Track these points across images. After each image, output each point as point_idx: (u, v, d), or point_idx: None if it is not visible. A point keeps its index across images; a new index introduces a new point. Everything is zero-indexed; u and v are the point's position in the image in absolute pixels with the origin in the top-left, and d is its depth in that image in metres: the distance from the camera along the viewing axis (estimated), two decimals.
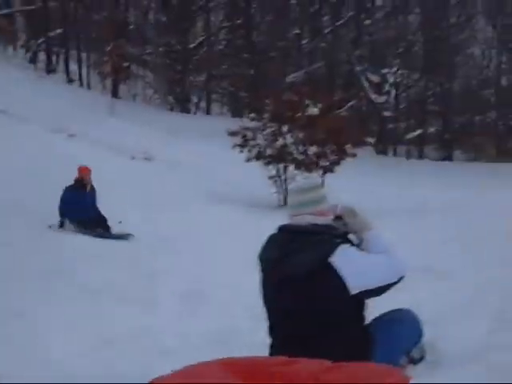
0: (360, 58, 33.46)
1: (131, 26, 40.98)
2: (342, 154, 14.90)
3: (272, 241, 3.65)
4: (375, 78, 32.59)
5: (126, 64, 32.67)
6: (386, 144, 33.29)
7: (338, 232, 3.64)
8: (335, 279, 3.39)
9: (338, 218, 3.78)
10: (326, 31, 34.41)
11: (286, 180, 14.66)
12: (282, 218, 3.85)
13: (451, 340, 4.56)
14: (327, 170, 14.80)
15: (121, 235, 10.52)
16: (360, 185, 13.03)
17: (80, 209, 10.62)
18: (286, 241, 3.55)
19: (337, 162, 14.91)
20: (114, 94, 33.94)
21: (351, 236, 3.75)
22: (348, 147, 14.88)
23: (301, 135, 14.68)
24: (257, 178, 14.82)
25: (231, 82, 37.30)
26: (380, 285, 3.54)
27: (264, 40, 37.09)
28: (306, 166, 14.48)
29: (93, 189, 11.29)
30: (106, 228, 10.94)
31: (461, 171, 28.09)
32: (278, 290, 3.56)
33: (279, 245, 3.57)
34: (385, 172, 24.81)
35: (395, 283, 3.60)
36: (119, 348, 4.78)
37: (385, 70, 32.39)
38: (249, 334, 5.03)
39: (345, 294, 3.41)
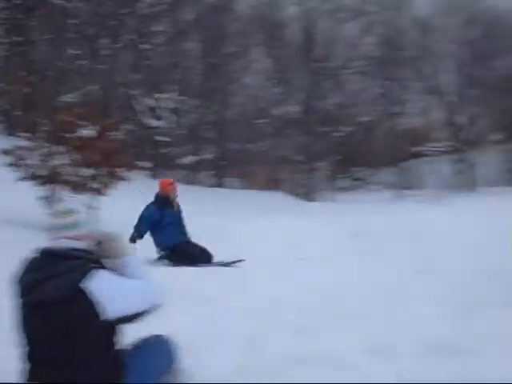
0: (137, 82, 33.50)
1: None
2: (113, 177, 14.90)
3: (30, 264, 3.68)
4: (151, 103, 32.83)
5: None
6: (161, 169, 33.28)
7: (94, 257, 3.77)
8: (87, 304, 3.50)
9: (99, 242, 3.93)
10: (105, 54, 33.86)
11: (56, 201, 14.27)
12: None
13: (205, 366, 4.81)
14: (98, 192, 14.73)
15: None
16: (132, 209, 13.09)
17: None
18: (43, 264, 3.62)
19: (109, 185, 14.90)
20: None
21: (109, 261, 3.86)
22: (120, 171, 14.90)
23: (75, 157, 14.44)
24: (30, 198, 14.33)
25: (6, 99, 35.68)
26: (138, 311, 3.67)
27: (42, 59, 35.86)
28: (78, 187, 14.26)
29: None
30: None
31: (230, 197, 29.03)
32: (32, 314, 3.59)
33: (37, 268, 3.62)
34: None
35: (151, 310, 3.74)
36: None
37: (159, 95, 32.75)
38: None
39: (96, 319, 3.52)
